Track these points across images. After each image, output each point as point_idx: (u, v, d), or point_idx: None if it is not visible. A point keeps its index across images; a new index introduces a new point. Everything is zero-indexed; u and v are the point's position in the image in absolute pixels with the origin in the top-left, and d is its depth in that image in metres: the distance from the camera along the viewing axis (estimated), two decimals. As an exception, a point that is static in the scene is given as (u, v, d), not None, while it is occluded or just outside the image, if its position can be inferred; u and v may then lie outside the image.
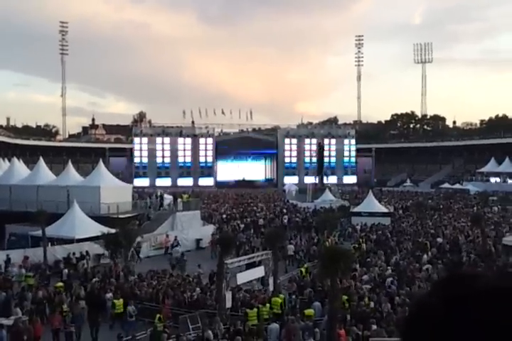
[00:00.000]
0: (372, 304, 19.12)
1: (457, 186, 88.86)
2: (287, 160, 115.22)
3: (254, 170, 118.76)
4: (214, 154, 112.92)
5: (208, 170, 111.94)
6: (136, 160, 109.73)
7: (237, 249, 31.38)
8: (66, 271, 27.44)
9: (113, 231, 28.86)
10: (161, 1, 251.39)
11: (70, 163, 44.88)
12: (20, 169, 47.39)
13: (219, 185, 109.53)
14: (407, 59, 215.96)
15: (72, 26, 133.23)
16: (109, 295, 22.00)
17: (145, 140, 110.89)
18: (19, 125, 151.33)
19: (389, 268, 25.86)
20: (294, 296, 21.50)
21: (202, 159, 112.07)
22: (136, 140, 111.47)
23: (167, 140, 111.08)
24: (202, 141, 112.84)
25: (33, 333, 17.02)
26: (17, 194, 40.45)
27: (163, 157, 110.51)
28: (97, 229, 31.16)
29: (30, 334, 16.72)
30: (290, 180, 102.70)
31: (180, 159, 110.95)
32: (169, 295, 21.48)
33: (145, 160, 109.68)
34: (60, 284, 23.80)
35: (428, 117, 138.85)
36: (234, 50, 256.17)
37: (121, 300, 20.36)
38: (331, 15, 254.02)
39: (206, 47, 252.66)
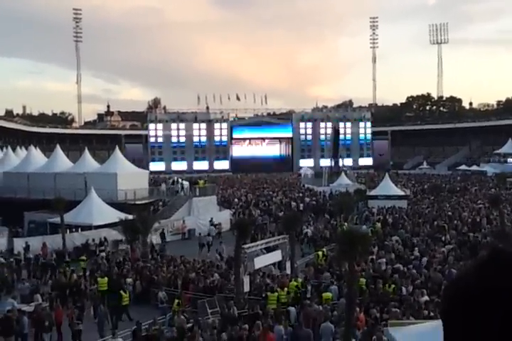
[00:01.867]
0: (391, 287, 19.09)
1: (474, 168, 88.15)
2: (303, 143, 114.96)
3: (270, 153, 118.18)
4: (229, 139, 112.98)
5: (224, 152, 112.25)
6: (152, 143, 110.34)
7: (254, 234, 31.48)
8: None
9: (130, 217, 29.06)
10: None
11: (86, 150, 45.13)
12: (37, 157, 47.76)
13: (234, 166, 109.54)
14: (422, 40, 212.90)
15: (86, 13, 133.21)
16: (130, 280, 22.27)
17: (160, 126, 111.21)
18: (35, 113, 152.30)
19: (406, 251, 25.84)
20: (311, 280, 21.54)
21: (217, 143, 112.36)
22: (151, 126, 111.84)
23: (182, 125, 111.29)
24: (217, 126, 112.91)
25: (55, 319, 17.23)
26: (35, 182, 40.81)
27: (178, 141, 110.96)
28: (115, 215, 31.42)
29: (51, 320, 16.93)
30: (306, 163, 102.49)
31: (196, 144, 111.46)
32: (192, 280, 21.66)
33: (160, 142, 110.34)
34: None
35: (444, 99, 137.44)
36: (247, 33, 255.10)
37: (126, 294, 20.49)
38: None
39: (219, 31, 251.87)
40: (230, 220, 38.94)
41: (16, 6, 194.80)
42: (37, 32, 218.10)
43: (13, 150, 55.49)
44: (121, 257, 27.33)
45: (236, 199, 52.13)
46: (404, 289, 18.85)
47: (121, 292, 20.01)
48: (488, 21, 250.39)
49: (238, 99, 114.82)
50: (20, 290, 21.47)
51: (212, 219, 38.12)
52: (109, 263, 26.10)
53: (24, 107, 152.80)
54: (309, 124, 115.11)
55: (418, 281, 19.92)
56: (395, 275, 20.92)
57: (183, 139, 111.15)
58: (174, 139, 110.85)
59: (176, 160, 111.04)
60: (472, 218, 36.09)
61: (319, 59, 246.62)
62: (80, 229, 32.80)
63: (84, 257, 27.17)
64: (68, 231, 31.77)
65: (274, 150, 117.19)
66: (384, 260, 23.67)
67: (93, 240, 31.12)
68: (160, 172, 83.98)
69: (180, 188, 43.21)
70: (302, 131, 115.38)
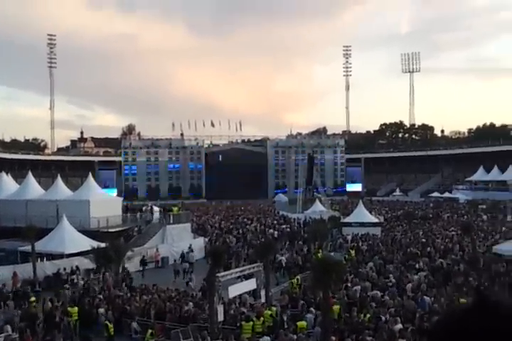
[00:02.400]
0: (366, 315, 19.04)
1: (446, 195, 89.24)
2: (277, 170, 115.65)
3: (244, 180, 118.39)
4: (204, 166, 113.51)
5: (198, 178, 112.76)
6: (126, 173, 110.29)
7: (228, 262, 31.31)
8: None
9: (103, 245, 28.70)
10: (150, 12, 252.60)
11: (59, 177, 44.63)
12: (8, 183, 47.08)
13: (208, 192, 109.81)
14: (395, 68, 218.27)
15: (60, 39, 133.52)
16: (102, 310, 21.87)
17: (134, 152, 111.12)
18: (7, 139, 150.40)
19: (381, 278, 25.88)
20: (286, 309, 21.39)
21: (192, 169, 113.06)
22: (125, 153, 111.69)
23: (156, 152, 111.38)
24: (191, 152, 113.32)
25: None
26: (5, 209, 40.20)
27: (153, 169, 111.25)
28: (87, 243, 31.00)
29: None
30: (280, 190, 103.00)
31: (170, 170, 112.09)
32: (167, 309, 21.35)
33: (134, 168, 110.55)
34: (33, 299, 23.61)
35: (416, 126, 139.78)
36: (222, 60, 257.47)
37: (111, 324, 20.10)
38: (318, 26, 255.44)
39: (194, 58, 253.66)
40: (204, 248, 38.75)
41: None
42: (10, 57, 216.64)
43: (-16, 176, 54.63)
44: (95, 286, 26.87)
45: (210, 227, 51.94)
46: (381, 317, 18.83)
47: (107, 322, 19.62)
48: (458, 50, 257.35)
49: (213, 125, 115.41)
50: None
51: (191, 245, 37.90)
52: (80, 292, 25.66)
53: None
54: (283, 151, 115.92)
55: (392, 309, 19.93)
56: (371, 303, 20.91)
57: (156, 166, 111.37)
58: (148, 166, 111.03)
59: (150, 186, 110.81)
60: (445, 245, 36.38)
61: (294, 86, 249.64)
62: (51, 258, 32.23)
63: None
64: (39, 259, 31.19)
65: (249, 177, 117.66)
66: (359, 287, 23.67)
67: (64, 269, 30.56)
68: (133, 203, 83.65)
69: (149, 218, 42.85)
70: (276, 158, 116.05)
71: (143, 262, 34.21)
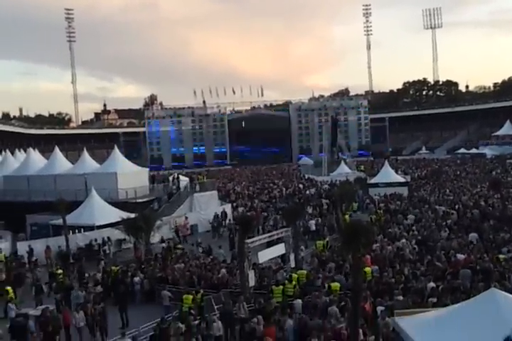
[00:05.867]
0: (397, 275, 19.08)
1: (473, 151, 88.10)
2: (300, 134, 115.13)
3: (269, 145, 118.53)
4: (227, 133, 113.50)
5: (222, 145, 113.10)
6: (151, 144, 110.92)
7: (257, 227, 31.54)
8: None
9: (132, 215, 29.03)
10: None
11: (85, 151, 44.92)
12: (36, 159, 47.67)
13: (233, 160, 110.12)
14: (416, 25, 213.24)
15: (78, 13, 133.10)
16: (137, 278, 22.29)
17: (157, 122, 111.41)
18: (32, 115, 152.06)
19: (410, 237, 25.82)
20: (316, 271, 21.53)
21: (216, 137, 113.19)
22: (149, 123, 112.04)
23: (179, 121, 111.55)
24: (214, 120, 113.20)
25: (63, 322, 17.22)
26: (35, 184, 40.81)
27: (176, 137, 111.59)
28: (117, 214, 31.32)
29: (59, 323, 16.91)
30: (304, 154, 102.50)
31: (194, 138, 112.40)
32: (200, 276, 21.68)
33: (158, 138, 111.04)
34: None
35: (440, 83, 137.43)
36: (240, 25, 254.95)
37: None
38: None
39: (211, 24, 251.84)
40: (232, 214, 39.04)
41: (6, 8, 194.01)
42: (29, 33, 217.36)
43: (12, 153, 55.37)
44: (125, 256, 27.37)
45: (236, 193, 52.12)
46: (410, 276, 18.87)
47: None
48: (481, 4, 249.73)
49: (234, 92, 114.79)
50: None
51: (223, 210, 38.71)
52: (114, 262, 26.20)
53: (21, 109, 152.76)
54: (306, 114, 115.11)
55: (423, 268, 19.94)
56: (402, 262, 20.92)
57: (181, 144, 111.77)
58: (174, 143, 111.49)
59: (175, 155, 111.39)
60: (473, 202, 35.98)
61: (314, 48, 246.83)
62: (82, 230, 32.80)
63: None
64: (71, 232, 31.76)
65: (273, 142, 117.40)
66: (390, 248, 23.66)
67: (96, 240, 31.15)
68: (159, 171, 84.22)
69: (177, 185, 42.99)
70: (299, 122, 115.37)
71: (176, 231, 34.65)
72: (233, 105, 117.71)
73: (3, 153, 57.34)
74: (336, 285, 18.40)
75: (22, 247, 30.16)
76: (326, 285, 18.55)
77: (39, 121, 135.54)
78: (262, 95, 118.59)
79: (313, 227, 32.79)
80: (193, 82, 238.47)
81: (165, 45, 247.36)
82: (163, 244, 30.32)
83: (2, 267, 26.33)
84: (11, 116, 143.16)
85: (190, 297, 18.40)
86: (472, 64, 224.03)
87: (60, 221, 31.49)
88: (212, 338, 15.06)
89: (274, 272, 21.49)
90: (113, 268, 24.16)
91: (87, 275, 23.99)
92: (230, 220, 37.39)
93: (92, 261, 27.83)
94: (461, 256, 20.79)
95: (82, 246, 30.93)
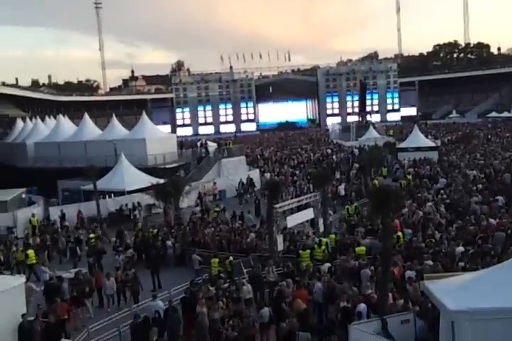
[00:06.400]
0: (426, 240, 18.99)
1: (505, 114, 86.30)
2: (329, 99, 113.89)
3: (296, 111, 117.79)
4: (255, 98, 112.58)
5: (250, 115, 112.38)
6: (178, 110, 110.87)
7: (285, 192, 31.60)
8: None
9: (161, 181, 29.28)
10: None
11: (114, 117, 45.22)
12: (66, 126, 48.19)
13: (261, 128, 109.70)
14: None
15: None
16: (169, 242, 22.63)
17: (185, 88, 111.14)
18: (61, 82, 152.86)
19: (440, 201, 25.59)
20: (344, 236, 21.57)
21: (243, 104, 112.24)
22: (176, 89, 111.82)
23: (207, 87, 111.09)
24: (241, 85, 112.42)
25: (95, 284, 17.63)
26: (66, 150, 41.43)
27: (204, 104, 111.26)
28: (146, 180, 31.68)
29: (91, 285, 17.32)
30: (333, 120, 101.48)
31: (221, 106, 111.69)
32: (229, 240, 21.92)
33: (186, 109, 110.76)
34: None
35: (472, 45, 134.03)
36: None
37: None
38: None
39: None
40: (259, 179, 39.08)
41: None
42: (57, 0, 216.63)
43: (42, 120, 55.97)
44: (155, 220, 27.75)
45: (264, 159, 52.04)
46: (442, 241, 18.76)
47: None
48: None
49: (261, 57, 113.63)
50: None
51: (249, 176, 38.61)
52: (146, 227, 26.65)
53: (50, 76, 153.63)
54: (334, 79, 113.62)
55: (453, 232, 19.81)
56: (431, 227, 20.79)
57: (209, 107, 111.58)
58: (201, 108, 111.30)
59: (202, 124, 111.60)
60: (505, 166, 35.38)
61: (342, 11, 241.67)
62: (112, 195, 33.26)
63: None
64: (102, 197, 32.25)
65: (301, 107, 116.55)
66: (421, 213, 23.48)
67: (126, 205, 31.58)
68: (188, 136, 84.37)
69: (204, 151, 43.04)
70: (328, 86, 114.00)
71: (200, 197, 34.76)
72: (260, 70, 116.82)
73: (33, 120, 58.03)
74: (361, 248, 18.43)
75: (54, 212, 30.81)
76: (353, 250, 18.58)
77: (68, 88, 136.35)
78: (290, 60, 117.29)
79: (343, 192, 32.70)
80: (220, 48, 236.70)
81: (192, 11, 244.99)
82: (197, 208, 30.63)
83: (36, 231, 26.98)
84: (40, 84, 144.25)
85: (217, 260, 18.70)
86: (504, 25, 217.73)
87: (90, 186, 32.02)
88: (242, 301, 15.27)
89: (307, 237, 21.59)
90: (150, 230, 24.61)
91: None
92: (255, 187, 37.42)
93: (125, 224, 28.30)
94: (492, 221, 20.59)
95: (112, 211, 31.44)
